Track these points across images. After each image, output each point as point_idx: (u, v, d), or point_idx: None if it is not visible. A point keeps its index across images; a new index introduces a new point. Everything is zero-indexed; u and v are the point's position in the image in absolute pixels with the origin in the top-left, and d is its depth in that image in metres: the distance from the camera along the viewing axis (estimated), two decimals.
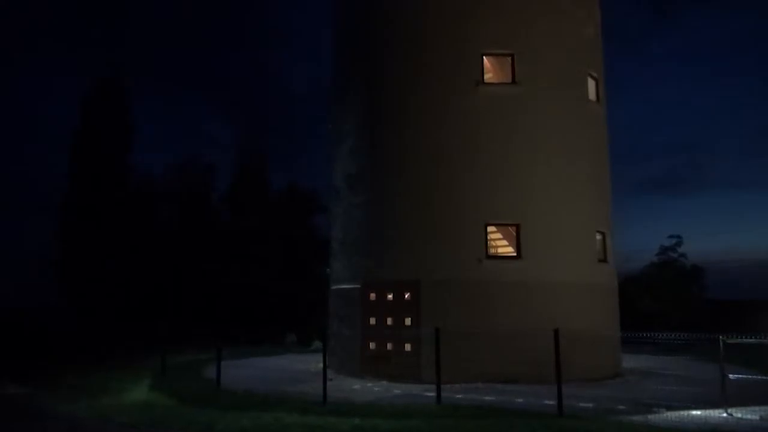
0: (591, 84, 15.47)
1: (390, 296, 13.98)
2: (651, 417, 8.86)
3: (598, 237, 14.85)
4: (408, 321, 13.51)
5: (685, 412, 9.05)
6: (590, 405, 9.76)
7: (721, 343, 9.15)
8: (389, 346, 13.76)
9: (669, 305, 25.30)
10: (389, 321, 13.84)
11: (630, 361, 15.72)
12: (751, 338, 9.59)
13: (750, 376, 10.29)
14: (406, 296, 13.66)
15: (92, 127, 27.59)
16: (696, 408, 9.36)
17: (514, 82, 14.15)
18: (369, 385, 12.86)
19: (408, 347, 13.36)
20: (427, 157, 13.98)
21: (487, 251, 13.64)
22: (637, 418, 8.83)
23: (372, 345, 14.04)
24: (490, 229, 13.89)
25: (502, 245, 15.08)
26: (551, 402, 9.31)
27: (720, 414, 8.98)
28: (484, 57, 14.27)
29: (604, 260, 14.91)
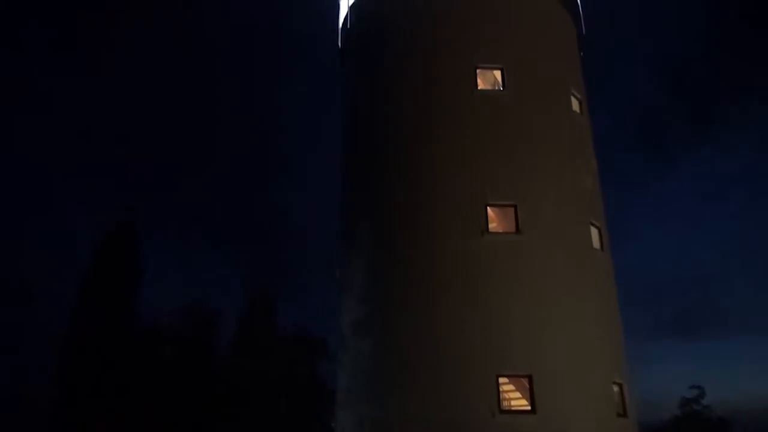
0: (594, 232, 15.77)
1: None
2: None
3: (615, 389, 14.25)
4: None
5: None
6: None
7: None
8: None
9: None
10: None
11: None
12: None
13: None
14: None
15: (101, 273, 27.83)
16: None
17: (517, 231, 14.46)
18: None
19: None
20: (435, 307, 13.88)
21: (500, 405, 13.04)
22: None
23: None
24: (501, 380, 13.40)
25: (515, 398, 14.46)
26: None
27: None
28: (488, 207, 14.72)
29: (623, 414, 14.17)
